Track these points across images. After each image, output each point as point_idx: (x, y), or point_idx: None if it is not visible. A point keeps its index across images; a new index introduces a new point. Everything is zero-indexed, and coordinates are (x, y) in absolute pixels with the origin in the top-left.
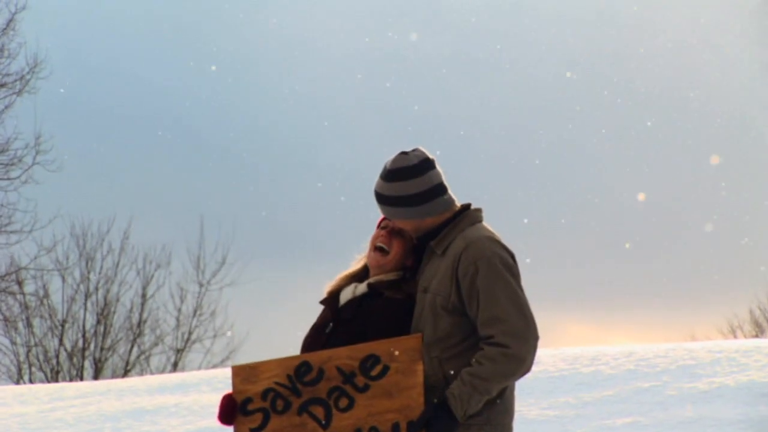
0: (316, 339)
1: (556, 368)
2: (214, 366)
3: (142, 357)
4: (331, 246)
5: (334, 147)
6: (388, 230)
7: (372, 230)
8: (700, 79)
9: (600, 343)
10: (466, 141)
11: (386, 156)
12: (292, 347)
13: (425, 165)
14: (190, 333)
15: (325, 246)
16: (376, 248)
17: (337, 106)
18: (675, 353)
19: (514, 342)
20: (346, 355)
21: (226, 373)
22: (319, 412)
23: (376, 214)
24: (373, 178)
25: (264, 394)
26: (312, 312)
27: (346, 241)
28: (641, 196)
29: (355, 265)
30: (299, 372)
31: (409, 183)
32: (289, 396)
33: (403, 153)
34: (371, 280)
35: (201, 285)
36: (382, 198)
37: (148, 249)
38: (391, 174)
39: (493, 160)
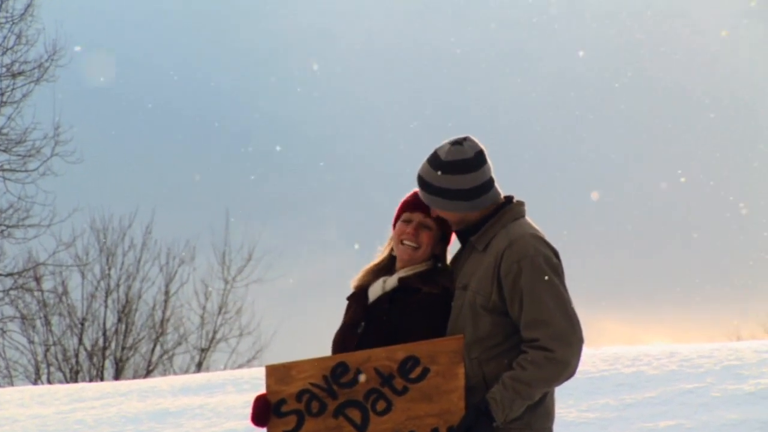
0: (347, 339)
1: (596, 369)
2: (240, 366)
3: (165, 357)
4: (360, 241)
5: (362, 138)
6: (414, 225)
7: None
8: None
9: (638, 342)
10: (491, 134)
11: (414, 148)
12: (322, 347)
13: (481, 158)
14: (215, 332)
15: (355, 241)
16: (403, 244)
17: (361, 98)
18: (719, 353)
19: (559, 346)
20: (385, 356)
21: (253, 373)
22: (355, 415)
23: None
24: (403, 173)
25: (299, 396)
26: (342, 310)
27: (377, 236)
28: (682, 179)
29: (379, 256)
30: (335, 373)
31: (467, 177)
32: (324, 398)
33: (457, 143)
34: (401, 273)
35: (226, 281)
36: (433, 189)
37: (172, 244)
38: (448, 166)
39: (523, 150)
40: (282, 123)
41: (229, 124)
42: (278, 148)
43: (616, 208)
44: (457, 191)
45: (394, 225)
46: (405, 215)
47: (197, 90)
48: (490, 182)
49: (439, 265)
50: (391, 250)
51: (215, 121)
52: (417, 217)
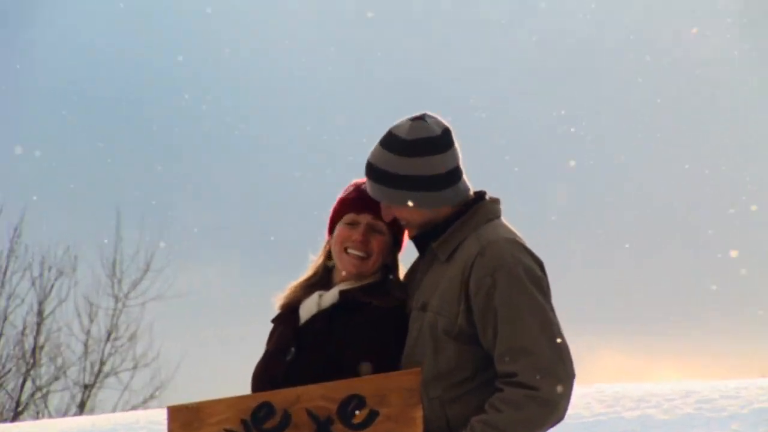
0: (272, 370)
1: (591, 412)
2: (135, 407)
3: (39, 395)
4: (288, 247)
5: (291, 122)
6: (362, 230)
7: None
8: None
9: (644, 379)
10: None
11: (363, 137)
12: (240, 382)
13: (448, 137)
14: (102, 363)
15: (281, 248)
16: (347, 252)
17: (286, 79)
18: (747, 393)
19: (544, 381)
20: (320, 395)
21: (151, 416)
22: None
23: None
24: (338, 162)
25: None
26: (263, 332)
27: (307, 242)
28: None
29: (311, 268)
30: (257, 416)
31: (435, 159)
32: None
33: (419, 119)
34: (343, 285)
35: (117, 299)
36: (391, 179)
37: (47, 251)
38: (411, 146)
39: (509, 143)
40: (190, 108)
41: (121, 107)
42: (187, 135)
43: (615, 209)
44: (426, 179)
45: (330, 229)
46: (348, 216)
47: (82, 69)
48: (460, 170)
49: (391, 277)
50: (326, 260)
51: (103, 102)
52: (365, 218)
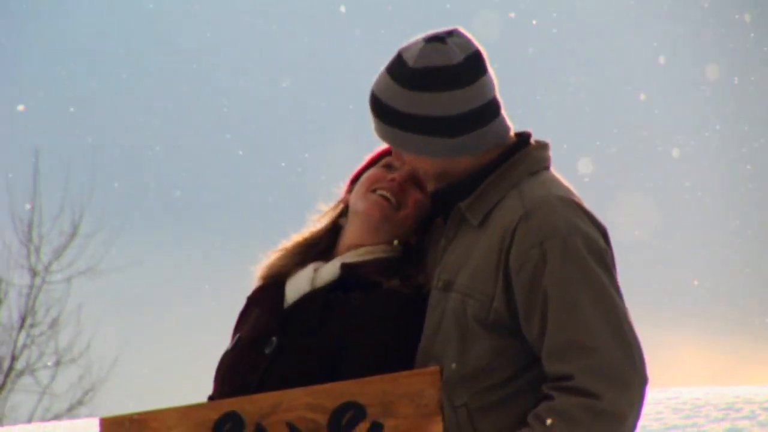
0: (243, 367)
1: (664, 424)
2: (57, 417)
3: None
4: (258, 206)
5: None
6: (401, 176)
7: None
8: None
9: (734, 381)
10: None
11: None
12: (197, 384)
13: (475, 65)
14: (14, 358)
15: (250, 207)
16: (374, 193)
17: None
18: None
19: (608, 388)
20: (307, 403)
21: (79, 428)
22: None
23: (341, 170)
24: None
25: None
26: (231, 319)
27: (282, 204)
28: None
29: (310, 229)
30: (221, 430)
31: (449, 96)
32: None
33: (437, 39)
34: (347, 257)
35: (35, 273)
36: (392, 115)
37: None
38: (415, 77)
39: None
40: (135, 22)
41: (44, 22)
42: (126, 57)
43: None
44: (435, 120)
45: (351, 185)
46: (387, 159)
47: None
48: (491, 108)
49: (411, 258)
50: (335, 220)
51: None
52: (407, 166)
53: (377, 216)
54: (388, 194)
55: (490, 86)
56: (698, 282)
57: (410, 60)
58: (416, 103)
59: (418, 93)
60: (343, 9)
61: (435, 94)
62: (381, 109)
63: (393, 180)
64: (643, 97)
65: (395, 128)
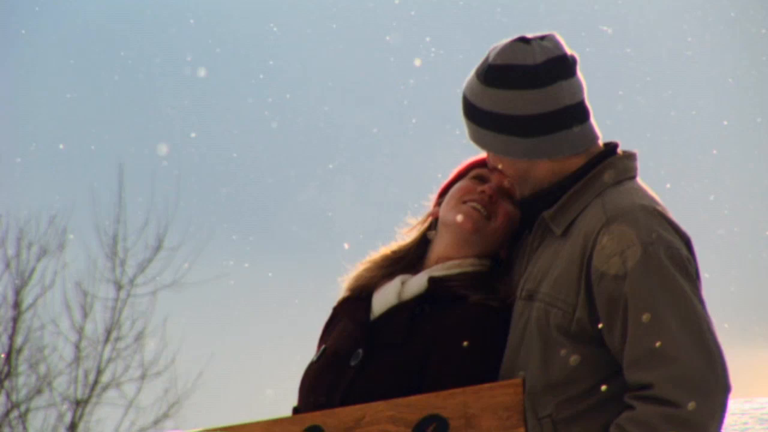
0: (328, 379)
1: None
2: (143, 430)
3: (15, 413)
4: (346, 219)
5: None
6: (491, 188)
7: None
8: None
9: None
10: None
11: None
12: (282, 397)
13: (556, 68)
14: (99, 372)
15: (337, 220)
16: (465, 204)
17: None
18: None
19: (689, 396)
20: (389, 416)
21: None
22: None
23: (420, 188)
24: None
25: None
26: (316, 331)
27: (367, 218)
28: None
29: (399, 242)
30: None
31: (522, 96)
32: None
33: (523, 40)
34: (436, 270)
35: (120, 286)
36: (471, 110)
37: (25, 223)
38: (493, 73)
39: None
40: (218, 44)
41: (124, 45)
42: (212, 78)
43: None
44: (508, 119)
45: (440, 198)
46: (477, 171)
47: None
48: (571, 114)
49: (500, 271)
50: (423, 232)
51: (103, 41)
52: (497, 178)
53: (469, 227)
54: (479, 206)
55: (571, 92)
56: None
57: (491, 56)
58: (491, 100)
59: (493, 89)
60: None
61: (508, 91)
62: (464, 104)
63: (483, 192)
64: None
65: (474, 124)
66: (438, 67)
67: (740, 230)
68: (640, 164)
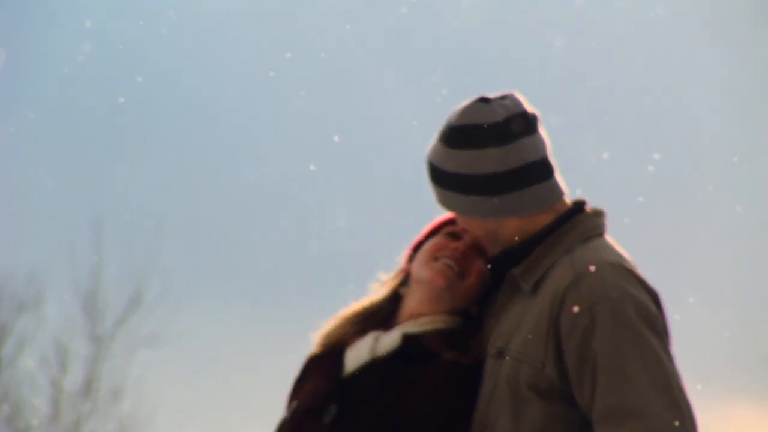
0: None
1: None
2: None
3: None
4: (325, 277)
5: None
6: (465, 245)
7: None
8: None
9: None
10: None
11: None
12: None
13: (517, 123)
14: (77, 427)
15: (315, 277)
16: (437, 261)
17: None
18: None
19: None
20: None
21: None
22: None
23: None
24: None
25: None
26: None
27: (349, 272)
28: None
29: (370, 297)
30: None
31: (484, 154)
32: None
33: (483, 100)
34: (409, 327)
35: (97, 342)
36: (436, 173)
37: (2, 279)
38: (455, 135)
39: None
40: (199, 101)
41: (102, 97)
42: (187, 131)
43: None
44: (464, 177)
45: (410, 256)
46: (450, 228)
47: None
48: (536, 171)
49: (471, 329)
50: (395, 289)
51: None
52: (469, 235)
53: (441, 284)
54: (451, 263)
55: (534, 148)
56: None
57: (452, 118)
58: (455, 161)
59: (456, 151)
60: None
61: (472, 151)
62: (429, 169)
63: (456, 249)
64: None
65: (440, 188)
66: None
67: None
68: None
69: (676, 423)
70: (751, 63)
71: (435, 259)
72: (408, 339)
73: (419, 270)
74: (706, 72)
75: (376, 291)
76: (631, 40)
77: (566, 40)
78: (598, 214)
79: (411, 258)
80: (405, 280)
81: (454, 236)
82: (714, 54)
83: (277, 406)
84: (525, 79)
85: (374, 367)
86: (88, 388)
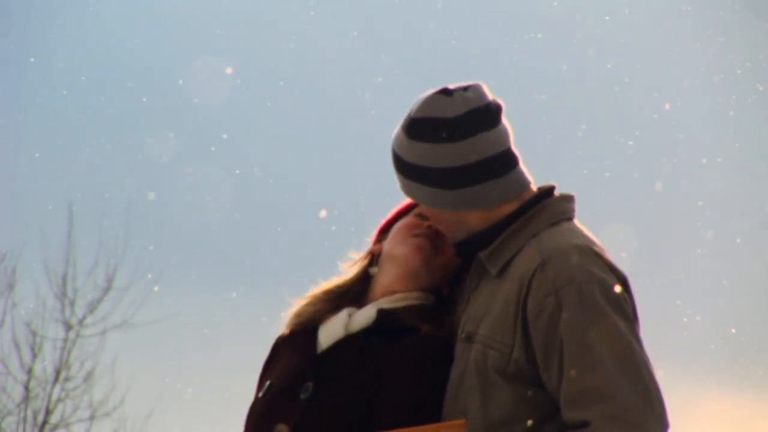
0: (279, 415)
1: None
2: None
3: None
4: (297, 256)
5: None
6: (435, 225)
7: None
8: None
9: None
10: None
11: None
12: None
13: (477, 118)
14: (48, 412)
15: (290, 262)
16: (415, 238)
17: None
18: None
19: None
20: None
21: None
22: None
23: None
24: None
25: None
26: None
27: (323, 253)
28: None
29: (342, 277)
30: None
31: (442, 148)
32: None
33: (445, 92)
34: (384, 302)
35: (69, 327)
36: (399, 163)
37: None
38: (414, 126)
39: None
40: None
41: (86, 76)
42: (163, 112)
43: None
44: (424, 169)
45: (383, 230)
46: (419, 209)
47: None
48: (497, 164)
49: (445, 308)
50: (366, 267)
51: (59, 72)
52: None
53: (418, 259)
54: (426, 240)
55: (495, 142)
56: (735, 330)
57: (413, 109)
58: (415, 153)
59: (416, 142)
60: None
61: (430, 145)
62: (393, 156)
63: (430, 226)
64: None
65: (403, 176)
66: None
67: None
68: None
69: (645, 406)
70: (731, 57)
71: (412, 236)
72: (383, 314)
73: (394, 247)
74: (685, 65)
75: (347, 270)
76: (607, 33)
77: (545, 34)
78: (567, 199)
79: (379, 239)
80: (374, 260)
81: (425, 217)
82: (694, 48)
83: (250, 390)
84: (502, 71)
85: (349, 342)
86: (59, 373)
